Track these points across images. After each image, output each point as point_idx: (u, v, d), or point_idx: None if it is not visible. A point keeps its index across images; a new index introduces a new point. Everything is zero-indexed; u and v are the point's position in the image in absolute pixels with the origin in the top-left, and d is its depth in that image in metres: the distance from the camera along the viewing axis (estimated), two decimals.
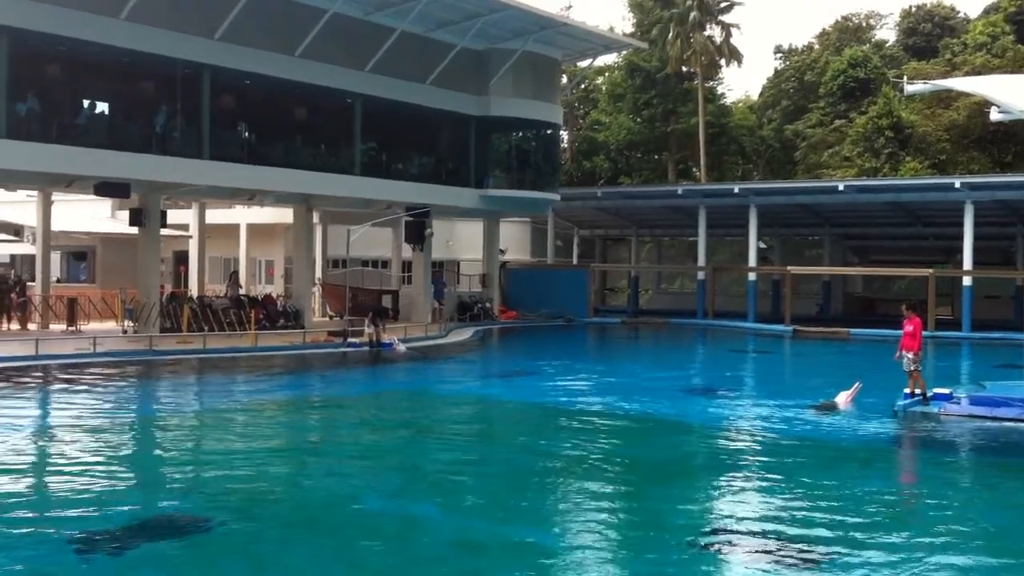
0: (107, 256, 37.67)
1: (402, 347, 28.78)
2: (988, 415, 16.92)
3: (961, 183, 36.70)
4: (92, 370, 22.29)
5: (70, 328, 30.21)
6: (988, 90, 19.74)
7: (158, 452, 14.41)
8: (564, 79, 49.45)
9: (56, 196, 33.80)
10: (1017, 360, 29.80)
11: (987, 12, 59.07)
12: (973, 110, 47.67)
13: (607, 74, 68.03)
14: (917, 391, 18.32)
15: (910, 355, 18.25)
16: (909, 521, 10.68)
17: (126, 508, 10.68)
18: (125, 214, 33.01)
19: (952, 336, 35.54)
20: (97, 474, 12.28)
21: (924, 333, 19.98)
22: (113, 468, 12.87)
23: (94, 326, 30.93)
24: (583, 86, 67.94)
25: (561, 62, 41.79)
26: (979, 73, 44.90)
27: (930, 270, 38.43)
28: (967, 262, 36.82)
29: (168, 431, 16.16)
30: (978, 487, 12.84)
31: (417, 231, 36.65)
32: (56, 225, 33.88)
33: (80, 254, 39.86)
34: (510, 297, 43.62)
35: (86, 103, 27.72)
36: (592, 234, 55.04)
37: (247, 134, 31.70)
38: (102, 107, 28.07)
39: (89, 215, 38.97)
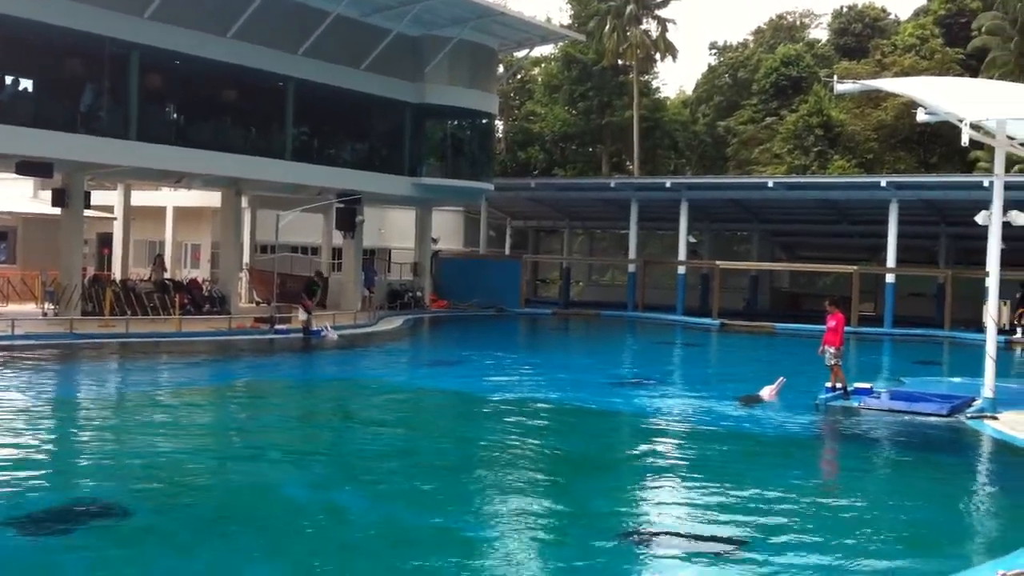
0: (28, 236, 36.81)
1: (333, 334, 28.52)
2: (906, 410, 17.27)
3: (887, 182, 37.37)
4: (10, 353, 21.75)
5: None
6: (916, 91, 20.07)
7: (76, 438, 14.11)
8: (500, 69, 49.34)
9: None
10: (936, 356, 30.55)
11: (917, 15, 60.30)
12: (901, 110, 48.60)
13: (543, 65, 68.13)
14: (838, 385, 18.67)
15: (832, 350, 18.60)
16: (827, 512, 10.85)
17: (43, 494, 10.46)
18: (48, 194, 32.25)
19: (874, 332, 36.24)
20: (12, 460, 11.97)
21: (847, 329, 20.35)
22: (29, 454, 12.56)
23: (13, 308, 30.20)
24: (519, 76, 67.91)
25: (498, 51, 41.68)
26: (907, 74, 45.82)
27: (855, 267, 39.13)
28: (891, 260, 37.54)
29: (87, 417, 15.83)
30: (895, 480, 13.10)
31: (348, 218, 36.35)
32: None
33: (0, 234, 38.87)
34: (441, 286, 43.51)
35: (9, 80, 26.95)
36: (525, 225, 55.11)
37: (176, 115, 31.15)
38: (26, 84, 27.32)
39: (10, 194, 38.01)
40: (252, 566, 8.41)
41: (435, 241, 44.62)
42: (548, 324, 40.73)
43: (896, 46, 54.86)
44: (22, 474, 11.31)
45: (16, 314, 26.93)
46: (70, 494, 10.53)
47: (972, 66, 51.91)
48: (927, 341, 34.95)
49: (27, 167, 27.15)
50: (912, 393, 18.60)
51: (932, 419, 16.81)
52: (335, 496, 10.95)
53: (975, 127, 16.72)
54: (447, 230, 50.47)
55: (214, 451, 13.38)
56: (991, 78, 43.03)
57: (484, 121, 41.22)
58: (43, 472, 11.70)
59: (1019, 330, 34.86)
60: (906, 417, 16.96)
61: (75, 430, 14.72)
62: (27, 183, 37.50)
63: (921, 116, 18.65)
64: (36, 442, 13.47)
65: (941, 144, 50.95)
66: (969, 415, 16.94)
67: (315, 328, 28.41)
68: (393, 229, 47.23)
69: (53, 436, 14.23)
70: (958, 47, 53.85)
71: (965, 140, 16.05)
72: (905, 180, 38.50)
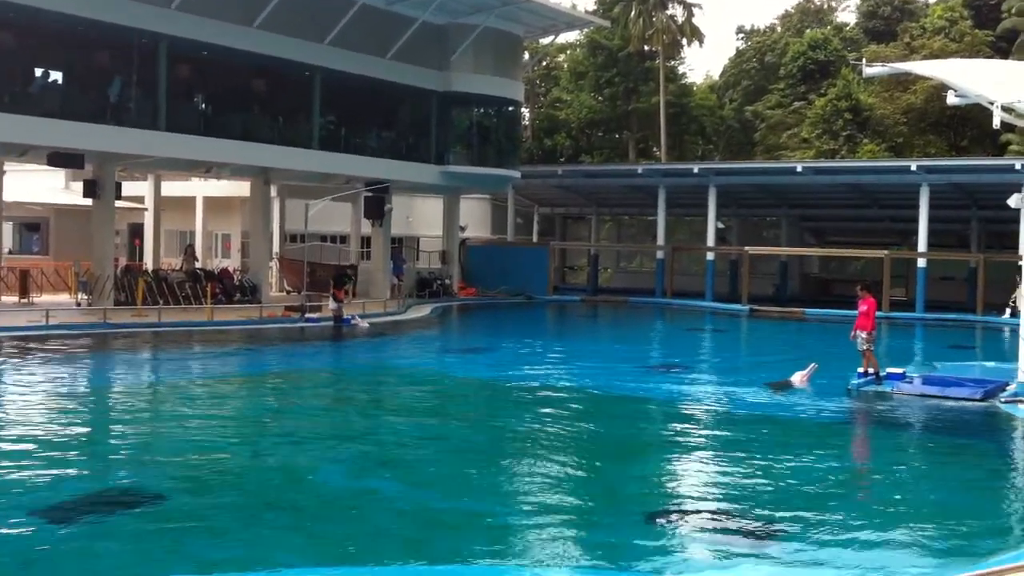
0: (61, 228, 37.21)
1: (364, 323, 28.59)
2: (939, 395, 17.16)
3: (917, 166, 37.06)
4: (45, 343, 22.00)
5: (22, 300, 29.78)
6: (945, 74, 19.88)
7: (111, 427, 14.26)
8: (526, 56, 49.28)
9: (9, 166, 33.25)
10: (969, 341, 30.31)
11: None
12: (930, 94, 48.14)
13: (569, 51, 67.93)
14: (870, 370, 18.56)
15: (864, 335, 18.50)
16: (860, 498, 10.81)
17: (80, 481, 10.58)
18: (79, 185, 32.53)
19: (906, 317, 35.99)
20: (51, 447, 12.13)
21: (878, 313, 20.24)
22: (67, 441, 12.72)
23: (47, 298, 30.51)
24: (545, 63, 67.78)
25: (523, 39, 41.63)
26: (937, 57, 45.32)
27: (885, 252, 38.88)
28: (922, 244, 37.26)
29: (122, 405, 15.99)
30: (928, 465, 13.02)
31: (376, 207, 36.44)
32: (8, 196, 33.36)
33: (33, 225, 39.30)
34: (469, 274, 43.57)
35: (39, 72, 27.19)
36: (552, 212, 55.05)
37: (204, 105, 31.32)
38: (56, 76, 27.55)
39: (43, 186, 38.39)
40: (286, 551, 8.48)
41: (463, 229, 44.67)
42: (576, 311, 40.71)
43: (925, 29, 54.30)
44: (58, 462, 11.44)
45: (50, 304, 27.23)
46: (106, 482, 10.64)
47: (1002, 48, 51.32)
48: (959, 326, 34.68)
49: (58, 158, 27.39)
50: (945, 378, 18.47)
51: (966, 404, 16.69)
52: (368, 482, 11.01)
53: (1006, 109, 16.54)
54: (475, 218, 50.52)
55: (248, 438, 13.49)
56: (1022, 59, 42.55)
57: (510, 108, 41.17)
58: (79, 460, 11.83)
59: (1008, 311, 35.10)
60: (939, 402, 16.85)
61: (110, 419, 14.88)
62: (59, 175, 37.88)
63: (951, 99, 18.47)
64: (72, 431, 13.63)
65: (972, 127, 50.42)
66: (1003, 399, 16.81)
67: (345, 317, 28.51)
68: (421, 217, 47.33)
69: (88, 425, 14.38)
70: (988, 29, 53.23)
71: (996, 122, 15.91)
72: (935, 164, 38.15)
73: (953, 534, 9.37)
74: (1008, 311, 35.00)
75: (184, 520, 9.28)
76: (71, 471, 11.08)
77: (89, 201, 30.28)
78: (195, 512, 9.58)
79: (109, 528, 8.94)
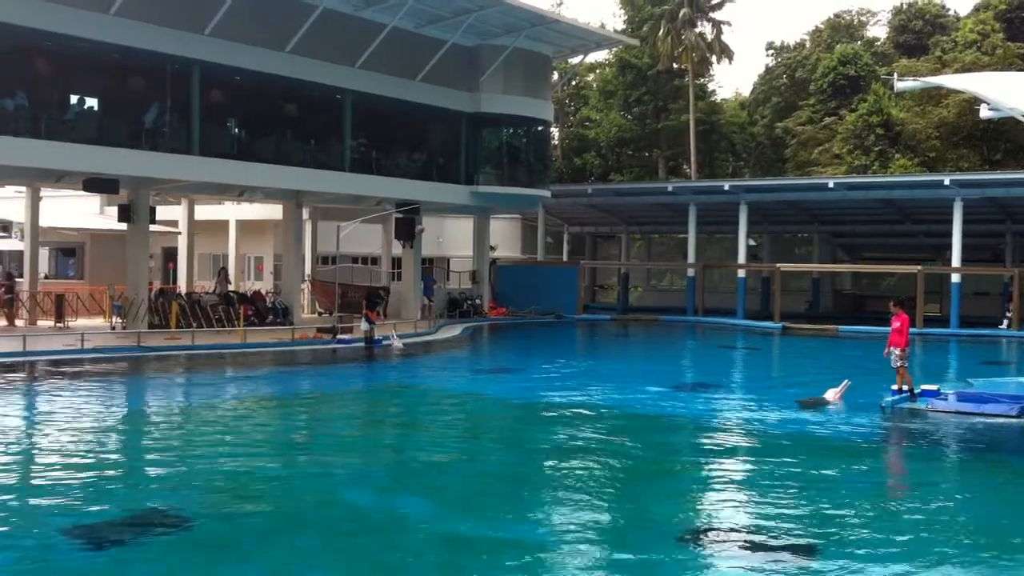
0: (96, 252, 37.60)
1: (399, 343, 28.60)
2: (975, 411, 16.98)
3: (950, 180, 36.78)
4: (80, 367, 22.24)
5: (58, 324, 30.14)
6: (978, 87, 19.77)
7: (145, 448, 14.36)
8: (555, 76, 49.44)
9: (45, 192, 33.74)
10: (1004, 357, 29.96)
11: (977, 10, 59.21)
12: (963, 107, 47.82)
13: (598, 71, 68.08)
14: (905, 387, 18.39)
15: (898, 351, 18.33)
16: (897, 517, 10.70)
17: (113, 503, 10.66)
18: (114, 210, 32.92)
19: (940, 333, 35.65)
20: (85, 470, 12.24)
21: (912, 330, 20.05)
22: (100, 464, 12.83)
23: (82, 322, 30.85)
24: (574, 83, 67.94)
25: (552, 59, 41.78)
26: (969, 70, 45.02)
27: (919, 267, 38.54)
28: (956, 259, 36.93)
29: (156, 427, 16.11)
30: (965, 482, 12.87)
31: (407, 228, 36.61)
32: (45, 221, 33.83)
33: (69, 250, 39.77)
34: (500, 294, 43.62)
35: (75, 98, 27.60)
36: (582, 231, 55.05)
37: (237, 130, 31.64)
38: (91, 103, 27.96)
39: (78, 211, 38.87)
40: (315, 570, 8.51)
41: (493, 249, 44.77)
42: (607, 330, 40.64)
43: (956, 42, 53.98)
44: (93, 483, 11.55)
45: (85, 328, 27.54)
46: (137, 504, 10.72)
47: None
48: (994, 341, 34.30)
49: (94, 184, 27.74)
50: (980, 394, 18.28)
51: (1002, 420, 16.51)
52: (399, 503, 11.03)
53: None
54: (505, 238, 50.63)
55: (278, 460, 13.55)
56: None
57: (540, 128, 41.30)
58: (113, 481, 11.93)
59: (1005, 322, 35.32)
60: (975, 419, 16.67)
61: (143, 441, 14.98)
62: (94, 200, 38.34)
63: (984, 112, 18.39)
64: (105, 454, 13.75)
65: (1005, 140, 50.01)
66: None
67: (377, 337, 28.60)
68: (451, 238, 47.50)
69: (121, 448, 14.51)
70: (1020, 42, 52.83)
71: None
72: (969, 178, 37.84)
73: (991, 552, 9.25)
74: (1005, 323, 35.38)
75: (216, 541, 9.34)
76: (105, 492, 11.18)
77: (124, 226, 30.62)
78: (226, 534, 9.63)
79: (141, 551, 9.00)
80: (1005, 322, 36.02)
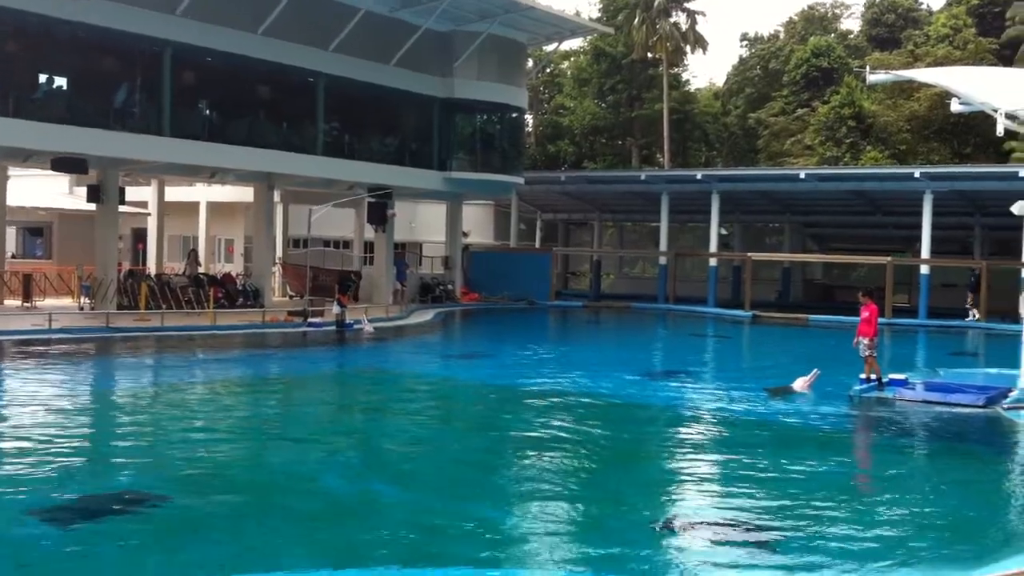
0: (64, 232, 37.28)
1: (370, 327, 28.55)
2: (942, 401, 17.14)
3: (921, 173, 37.04)
4: (48, 347, 22.04)
5: (25, 304, 29.83)
6: (949, 81, 19.90)
7: (114, 430, 14.26)
8: (529, 63, 49.35)
9: (12, 171, 33.34)
10: (972, 347, 30.28)
11: (949, 4, 59.63)
12: (934, 101, 48.16)
13: (572, 59, 68.06)
14: (873, 376, 18.53)
15: (866, 341, 18.45)
16: (862, 505, 10.79)
17: (82, 485, 10.59)
18: (83, 190, 32.59)
19: (908, 323, 35.96)
20: (52, 450, 12.14)
21: (880, 320, 20.22)
22: (68, 444, 12.71)
23: (50, 302, 30.58)
24: (548, 70, 67.88)
25: (527, 45, 41.71)
26: (941, 64, 45.32)
27: (888, 258, 38.83)
28: (925, 251, 37.24)
29: (124, 408, 16.01)
30: (931, 471, 13.00)
31: (379, 212, 36.48)
32: (12, 200, 33.43)
33: (36, 230, 39.39)
34: (472, 280, 43.59)
35: (44, 77, 27.27)
36: (555, 218, 55.07)
37: (208, 111, 31.38)
38: (60, 82, 27.63)
39: (46, 191, 38.47)
40: (287, 554, 8.48)
41: (466, 235, 44.71)
42: (579, 317, 40.72)
43: (929, 36, 54.34)
44: (60, 464, 11.45)
45: (53, 308, 27.30)
46: (106, 484, 10.66)
47: (1006, 56, 51.33)
48: (962, 332, 34.66)
49: (62, 163, 27.47)
50: (948, 384, 18.46)
51: (968, 410, 16.68)
52: (370, 486, 11.02)
53: (1010, 116, 16.56)
54: (478, 224, 50.57)
55: (249, 442, 13.50)
56: None
57: (514, 115, 41.23)
58: (80, 462, 11.84)
59: (972, 314, 35.72)
60: (942, 408, 16.83)
61: (111, 422, 14.89)
62: (62, 179, 37.97)
63: (955, 106, 18.53)
64: (73, 434, 13.63)
65: (975, 134, 50.41)
66: (1006, 406, 16.78)
67: (348, 321, 28.50)
68: (424, 223, 47.40)
69: (90, 428, 14.41)
70: (992, 37, 53.25)
71: (1000, 130, 15.94)
72: (939, 171, 38.12)
73: (955, 540, 9.36)
74: (971, 315, 35.78)
75: (185, 523, 9.29)
76: (72, 473, 11.09)
77: (93, 206, 30.34)
78: (196, 515, 9.59)
79: (109, 531, 8.95)
80: (972, 315, 36.49)
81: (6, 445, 12.54)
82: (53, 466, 11.34)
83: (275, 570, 8.06)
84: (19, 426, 13.65)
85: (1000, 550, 8.93)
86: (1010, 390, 17.64)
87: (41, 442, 12.59)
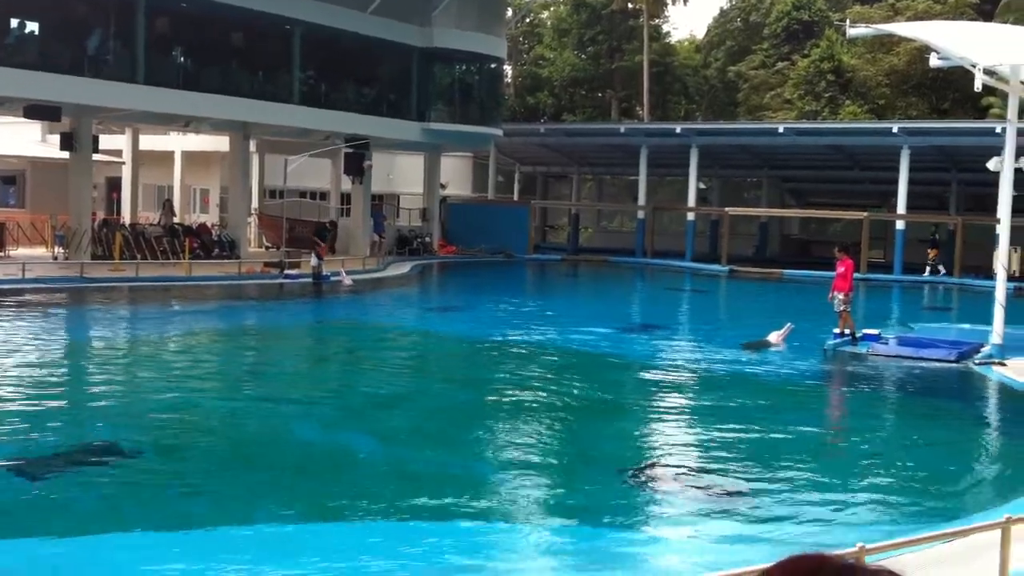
0: (37, 180, 36.81)
1: (348, 279, 28.38)
2: (914, 356, 17.29)
3: (899, 128, 37.08)
4: (21, 297, 21.87)
5: None
6: (929, 36, 19.84)
7: (89, 381, 14.21)
8: (509, 12, 48.90)
9: None
10: (945, 303, 30.53)
11: None
12: (913, 56, 48.04)
13: (552, 8, 67.43)
14: (847, 331, 18.66)
15: (841, 296, 18.55)
16: (833, 457, 10.92)
17: (56, 437, 10.55)
18: (56, 138, 32.16)
19: (883, 279, 36.17)
20: (26, 402, 12.09)
21: (856, 275, 20.32)
22: (42, 397, 12.67)
23: (23, 252, 30.26)
24: (528, 20, 67.27)
25: None
26: (921, 18, 45.19)
27: (865, 214, 38.96)
28: (901, 206, 37.37)
29: (99, 360, 15.94)
30: (902, 425, 13.16)
31: (356, 163, 36.19)
32: None
33: (9, 178, 38.86)
34: (450, 232, 43.46)
35: (15, 23, 26.78)
36: (534, 171, 54.86)
37: (183, 59, 30.93)
38: (32, 27, 27.15)
39: (19, 138, 37.94)
40: (263, 507, 8.51)
41: (443, 187, 44.47)
42: (556, 270, 40.75)
43: None
44: (32, 417, 11.41)
45: (26, 258, 27.03)
46: (80, 436, 10.63)
47: (986, 11, 51.17)
48: (936, 288, 34.91)
49: (35, 111, 27.09)
50: (920, 339, 18.62)
51: (940, 365, 16.84)
52: (344, 437, 11.05)
53: (988, 72, 16.55)
54: (456, 175, 50.31)
55: (224, 394, 13.49)
56: (1005, 22, 42.53)
57: (492, 66, 40.88)
58: (53, 415, 11.78)
59: (939, 269, 36.11)
60: (914, 363, 16.99)
61: (85, 374, 14.83)
62: (35, 127, 37.43)
63: (934, 61, 18.46)
64: (46, 386, 13.57)
65: (954, 90, 50.37)
66: (977, 361, 16.95)
67: (325, 273, 28.37)
68: (402, 175, 47.09)
69: (63, 380, 14.34)
70: None
71: (978, 85, 15.93)
72: (917, 126, 38.17)
73: (923, 493, 9.49)
74: (928, 270, 36.12)
75: (160, 475, 9.30)
76: (46, 426, 11.04)
77: (66, 154, 29.98)
78: (171, 467, 9.60)
79: (84, 482, 8.94)
80: (928, 270, 36.92)
81: None
82: (27, 418, 11.29)
83: (251, 523, 8.08)
84: None
85: (971, 503, 9.07)
86: (982, 345, 17.80)
87: (14, 394, 12.53)
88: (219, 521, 8.04)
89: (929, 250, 37.68)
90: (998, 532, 6.07)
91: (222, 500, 8.65)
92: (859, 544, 5.44)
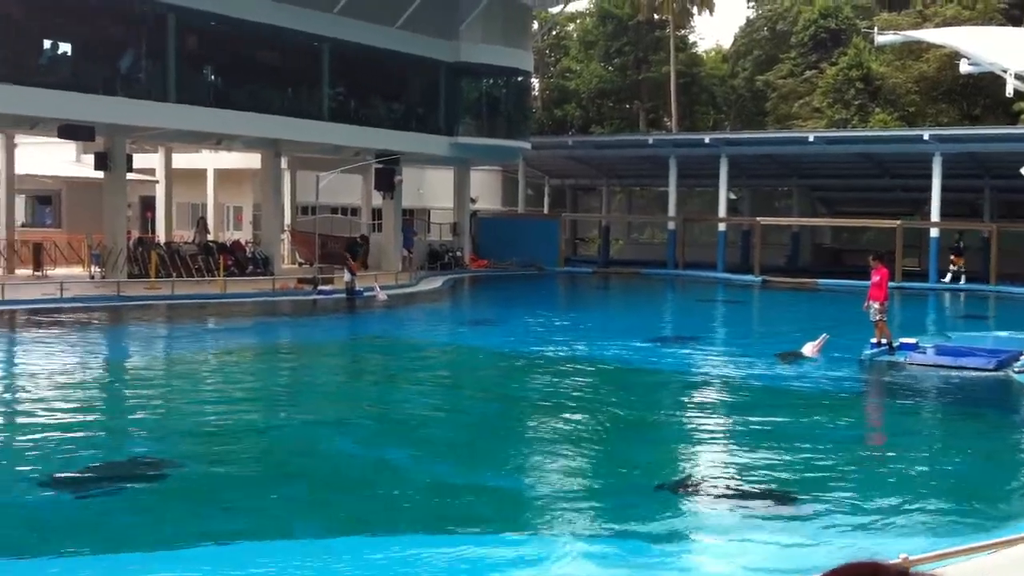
0: (73, 200, 37.24)
1: (383, 294, 28.42)
2: (953, 364, 17.12)
3: (930, 135, 36.82)
4: (60, 316, 22.10)
5: (36, 273, 29.89)
6: (958, 42, 19.77)
7: (128, 398, 14.34)
8: (535, 25, 49.01)
9: (20, 139, 33.29)
10: (982, 311, 30.24)
11: None
12: (943, 62, 47.71)
13: (578, 21, 67.53)
14: (883, 341, 18.50)
15: (876, 305, 18.40)
16: (874, 468, 10.83)
17: (95, 452, 10.66)
18: (91, 158, 32.54)
19: (919, 287, 35.87)
20: (66, 419, 12.22)
21: (891, 284, 20.17)
22: (82, 413, 12.81)
23: (60, 271, 30.62)
24: (554, 32, 67.40)
25: (532, 8, 41.41)
26: (950, 24, 44.91)
27: (898, 222, 38.68)
28: (934, 214, 37.08)
29: (137, 377, 16.08)
30: (942, 435, 13.04)
31: (387, 178, 36.37)
32: (21, 168, 33.41)
33: (45, 198, 39.38)
34: (481, 246, 43.54)
35: (48, 44, 27.16)
36: (563, 183, 54.88)
37: (214, 77, 31.24)
38: (66, 48, 27.52)
39: (54, 158, 38.42)
40: (301, 521, 8.55)
41: (474, 201, 44.60)
42: (588, 283, 40.71)
43: None
44: (73, 433, 11.53)
45: (64, 277, 27.34)
46: (120, 453, 10.72)
47: (1016, 16, 50.81)
48: (973, 295, 34.59)
49: (69, 130, 27.40)
50: (958, 348, 18.41)
51: (978, 374, 16.66)
52: (382, 453, 11.07)
53: (1020, 77, 16.43)
54: (485, 190, 50.44)
55: (262, 410, 13.56)
56: None
57: (520, 79, 40.99)
58: (94, 431, 11.91)
59: (949, 276, 35.87)
60: (952, 372, 16.81)
61: (125, 390, 14.96)
62: (70, 147, 37.89)
63: (964, 67, 18.39)
64: (86, 403, 13.71)
65: (984, 96, 49.94)
66: (1017, 369, 16.73)
67: (358, 288, 28.48)
68: (432, 189, 47.27)
69: (103, 396, 14.48)
70: None
71: (1010, 91, 15.84)
72: (948, 133, 37.89)
73: (966, 503, 9.39)
74: (949, 276, 35.75)
75: (199, 491, 9.35)
76: (86, 442, 11.15)
77: (100, 174, 30.31)
78: (210, 483, 9.65)
79: (124, 498, 9.01)
80: (949, 276, 36.64)
81: (20, 415, 12.62)
82: (67, 434, 11.41)
83: (290, 537, 8.12)
84: (32, 396, 13.73)
85: (1015, 513, 8.96)
86: (1021, 353, 17.57)
87: (55, 411, 12.66)
88: (259, 536, 8.09)
89: (953, 257, 37.38)
90: None
91: (262, 516, 8.69)
92: (903, 555, 5.40)
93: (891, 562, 1.61)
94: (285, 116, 31.60)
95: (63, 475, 9.55)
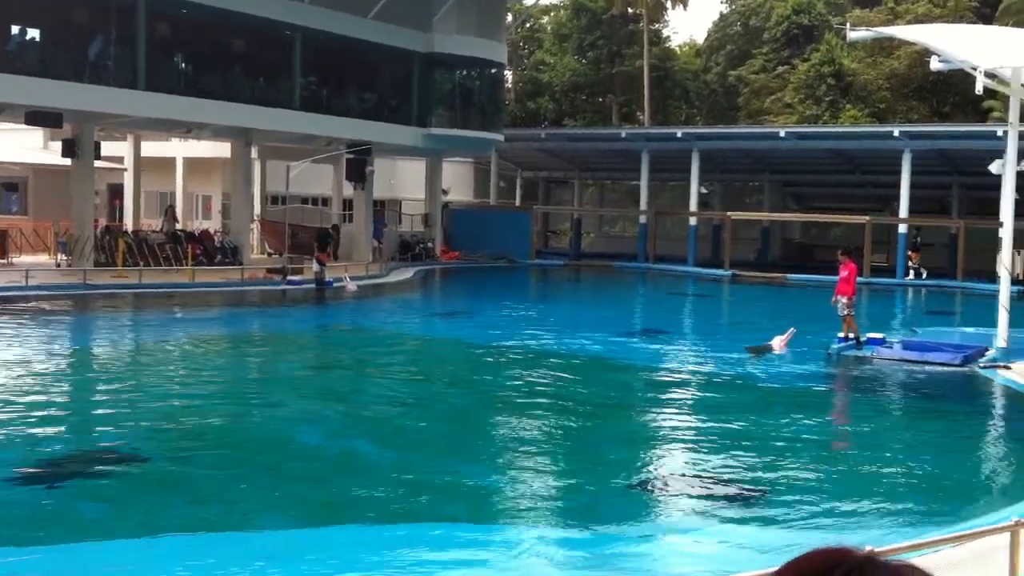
0: (39, 187, 36.83)
1: (353, 285, 28.30)
2: (919, 359, 17.26)
3: (900, 132, 37.09)
4: (25, 304, 21.86)
5: (1, 261, 29.54)
6: (929, 39, 19.87)
7: (92, 388, 14.20)
8: (509, 17, 48.93)
9: None
10: (949, 307, 30.50)
11: None
12: (914, 59, 48.05)
13: (552, 13, 67.52)
14: (851, 335, 18.63)
15: (844, 300, 18.53)
16: (839, 461, 10.90)
17: (61, 443, 10.56)
18: (58, 145, 32.18)
19: (887, 283, 36.13)
20: (31, 409, 12.07)
21: (859, 279, 20.29)
22: (47, 403, 12.66)
23: (26, 259, 30.28)
24: (528, 25, 67.34)
25: (506, 0, 41.29)
26: (921, 22, 45.22)
27: (867, 217, 38.95)
28: (903, 210, 37.36)
29: (103, 366, 15.94)
30: (907, 429, 13.13)
31: (358, 169, 36.22)
32: None
33: (11, 185, 38.91)
34: (452, 237, 43.44)
35: (16, 29, 26.81)
36: (535, 176, 54.88)
37: (184, 65, 30.97)
38: (33, 34, 27.18)
39: (20, 145, 37.98)
40: (269, 512, 8.49)
41: (445, 192, 44.49)
42: (559, 275, 40.73)
43: None
44: (39, 424, 11.40)
45: (29, 265, 27.02)
46: (86, 443, 10.63)
47: (986, 14, 51.20)
48: (940, 291, 34.88)
49: (36, 117, 27.09)
50: (925, 343, 18.59)
51: (945, 369, 16.82)
52: (350, 444, 11.03)
53: (989, 75, 16.55)
54: (457, 181, 50.34)
55: (229, 400, 13.46)
56: (1006, 25, 42.54)
57: (493, 71, 40.92)
58: (60, 421, 11.80)
59: (911, 273, 36.10)
60: (919, 367, 16.96)
61: (91, 381, 14.82)
62: (37, 133, 37.45)
63: (935, 64, 18.48)
64: (52, 393, 13.57)
65: (955, 93, 50.37)
66: (982, 365, 16.92)
67: (328, 279, 28.34)
68: (403, 180, 47.12)
69: (69, 387, 14.33)
70: None
71: (979, 88, 15.93)
72: (918, 130, 38.18)
73: (930, 496, 9.48)
74: (911, 273, 36.03)
75: (166, 481, 9.28)
76: (52, 433, 11.05)
77: (68, 161, 29.99)
78: (177, 473, 9.57)
79: (91, 489, 8.93)
80: (912, 273, 36.92)
81: None
82: (34, 425, 11.28)
83: (257, 528, 8.07)
84: None
85: (979, 507, 9.04)
86: (987, 349, 17.78)
87: (20, 401, 12.52)
88: (227, 527, 8.03)
89: (911, 253, 37.67)
90: (1007, 535, 6.06)
91: (229, 506, 8.64)
92: (867, 547, 5.41)
93: (859, 550, 1.60)
94: (256, 105, 31.38)
95: (29, 465, 9.43)
